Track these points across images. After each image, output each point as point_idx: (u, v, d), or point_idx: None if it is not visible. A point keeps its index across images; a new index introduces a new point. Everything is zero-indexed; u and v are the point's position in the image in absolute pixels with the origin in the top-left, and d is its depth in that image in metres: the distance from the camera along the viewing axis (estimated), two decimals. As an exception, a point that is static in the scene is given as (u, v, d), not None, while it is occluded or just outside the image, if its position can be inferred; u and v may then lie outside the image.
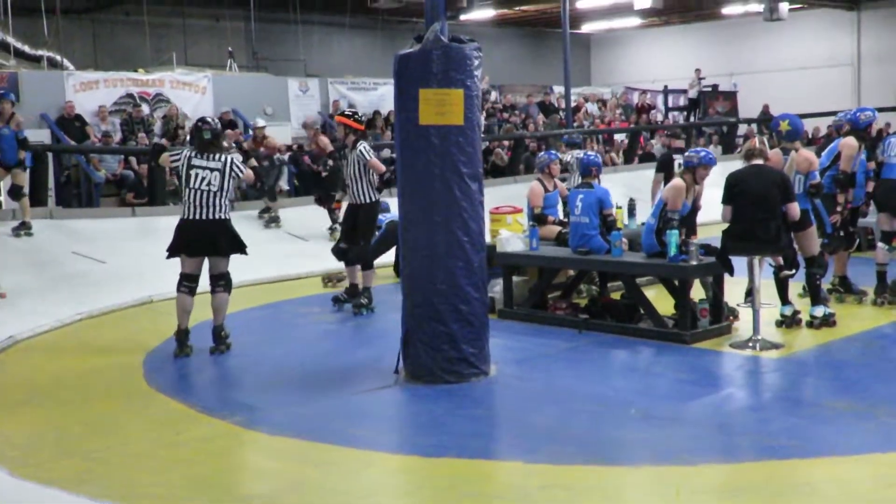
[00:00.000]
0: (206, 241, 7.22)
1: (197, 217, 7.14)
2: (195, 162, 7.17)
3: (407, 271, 6.43)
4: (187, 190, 7.15)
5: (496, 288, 8.52)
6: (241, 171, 7.41)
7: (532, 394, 6.11)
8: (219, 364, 7.05)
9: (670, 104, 26.45)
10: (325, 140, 12.71)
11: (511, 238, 8.68)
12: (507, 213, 9.53)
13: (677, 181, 7.61)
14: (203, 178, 7.13)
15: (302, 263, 11.56)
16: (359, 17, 24.13)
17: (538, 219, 9.23)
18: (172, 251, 7.36)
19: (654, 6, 21.71)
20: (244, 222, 12.05)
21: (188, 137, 9.64)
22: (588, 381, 6.34)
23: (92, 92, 16.55)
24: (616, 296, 8.56)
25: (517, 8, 25.11)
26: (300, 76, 20.73)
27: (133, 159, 14.76)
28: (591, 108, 23.59)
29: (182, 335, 7.27)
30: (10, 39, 18.12)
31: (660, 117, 25.10)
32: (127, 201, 14.18)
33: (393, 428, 5.76)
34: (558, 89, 22.65)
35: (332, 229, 12.83)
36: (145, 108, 16.71)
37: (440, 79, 6.14)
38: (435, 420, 5.59)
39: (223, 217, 7.23)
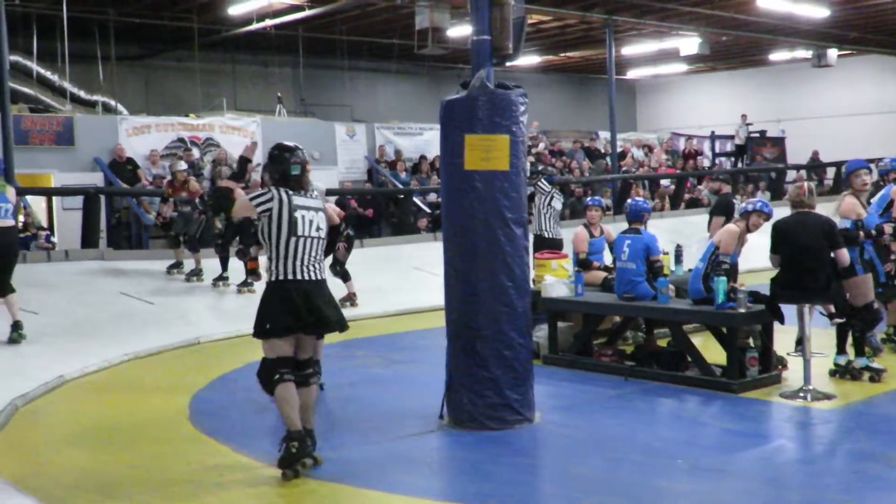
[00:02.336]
0: (320, 312, 5.32)
1: (308, 277, 5.30)
2: (297, 201, 5.33)
3: (451, 316, 6.42)
4: (293, 240, 5.26)
5: (540, 333, 8.47)
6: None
7: (576, 442, 6.03)
8: (263, 408, 7.04)
9: (717, 150, 26.34)
10: (195, 185, 12.20)
11: (556, 283, 8.64)
12: (552, 258, 9.48)
13: (731, 226, 7.56)
14: (311, 222, 5.33)
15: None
16: (405, 63, 24.43)
17: (583, 264, 9.20)
18: (280, 330, 5.27)
19: (701, 53, 21.69)
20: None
21: (263, 175, 7.78)
22: (633, 430, 6.24)
23: (144, 136, 16.92)
24: (662, 343, 8.47)
25: (563, 54, 25.26)
26: (347, 121, 21.01)
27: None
28: (637, 153, 23.55)
29: (303, 440, 5.31)
30: (67, 85, 18.62)
31: (706, 163, 24.98)
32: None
33: (435, 474, 5.70)
34: (604, 135, 22.67)
35: (246, 284, 11.53)
36: (196, 152, 17.01)
37: (485, 124, 6.18)
38: (478, 467, 5.54)
39: (325, 276, 5.52)
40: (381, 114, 23.18)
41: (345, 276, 11.37)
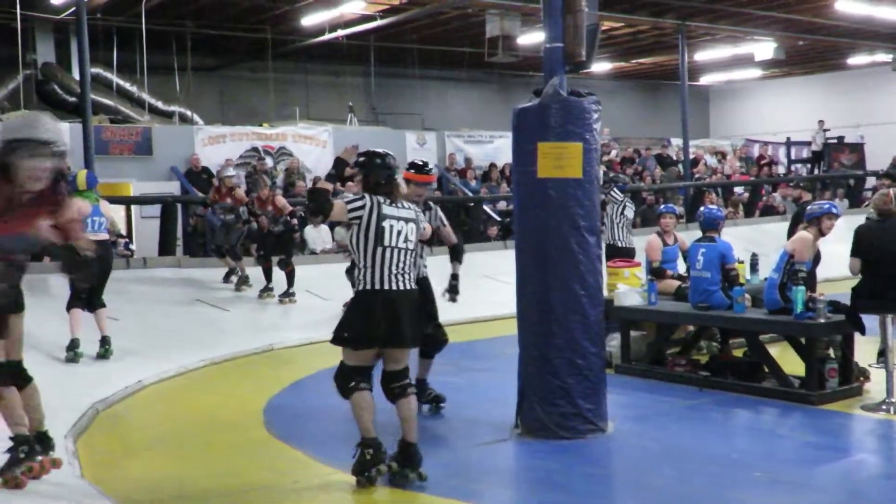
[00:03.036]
0: (404, 324, 5.23)
1: (394, 287, 5.22)
2: (387, 210, 5.28)
3: (523, 324, 6.39)
4: (380, 250, 5.20)
5: (613, 343, 8.39)
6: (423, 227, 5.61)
7: (649, 453, 5.96)
8: (338, 414, 7.08)
9: (793, 156, 25.78)
10: (241, 193, 12.07)
11: (629, 292, 8.56)
12: (625, 266, 9.39)
13: (805, 234, 7.39)
14: (400, 233, 5.27)
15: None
16: (475, 72, 24.50)
17: (656, 273, 9.09)
18: (361, 340, 5.23)
19: (776, 57, 21.30)
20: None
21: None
22: (708, 442, 6.14)
23: (219, 145, 17.24)
24: (738, 353, 8.32)
25: (634, 61, 25.03)
26: (417, 129, 21.13)
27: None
28: (710, 160, 23.20)
29: (378, 447, 5.28)
30: (145, 96, 19.10)
31: (782, 170, 24.48)
32: (248, 251, 14.57)
33: (507, 483, 5.69)
34: (676, 142, 22.40)
35: (288, 295, 11.58)
36: (269, 161, 17.28)
37: (558, 132, 6.15)
38: (550, 477, 5.51)
39: (416, 287, 5.46)
40: (452, 122, 23.24)
41: None
